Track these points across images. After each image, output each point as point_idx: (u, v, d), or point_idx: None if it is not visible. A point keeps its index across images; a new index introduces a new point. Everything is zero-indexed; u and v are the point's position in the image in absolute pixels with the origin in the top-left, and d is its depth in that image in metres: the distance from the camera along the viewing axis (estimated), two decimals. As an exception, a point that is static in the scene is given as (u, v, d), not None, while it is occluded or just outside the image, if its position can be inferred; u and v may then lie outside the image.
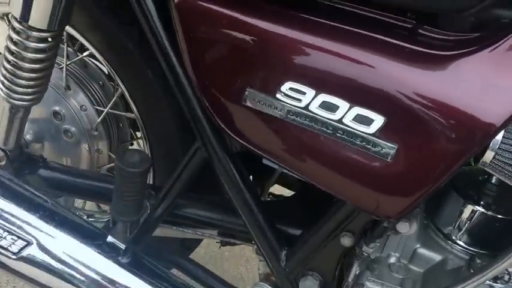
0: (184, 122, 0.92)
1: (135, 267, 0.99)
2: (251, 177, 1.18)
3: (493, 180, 0.90)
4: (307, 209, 0.97)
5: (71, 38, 1.15)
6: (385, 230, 0.84)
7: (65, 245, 0.93)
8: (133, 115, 1.15)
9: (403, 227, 0.83)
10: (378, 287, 0.85)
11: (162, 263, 1.12)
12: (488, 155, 0.68)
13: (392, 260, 0.92)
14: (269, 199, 1.30)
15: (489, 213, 0.87)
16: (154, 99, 1.05)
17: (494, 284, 0.77)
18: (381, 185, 0.71)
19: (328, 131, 0.70)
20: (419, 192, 0.70)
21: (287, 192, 1.30)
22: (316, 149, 0.73)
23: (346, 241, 0.84)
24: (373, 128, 0.68)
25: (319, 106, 0.69)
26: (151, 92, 1.04)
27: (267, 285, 0.98)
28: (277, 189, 1.31)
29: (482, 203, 0.88)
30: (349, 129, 0.69)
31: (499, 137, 0.67)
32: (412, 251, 0.92)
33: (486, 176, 0.91)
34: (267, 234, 0.92)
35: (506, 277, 0.78)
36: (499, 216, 0.86)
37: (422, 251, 0.91)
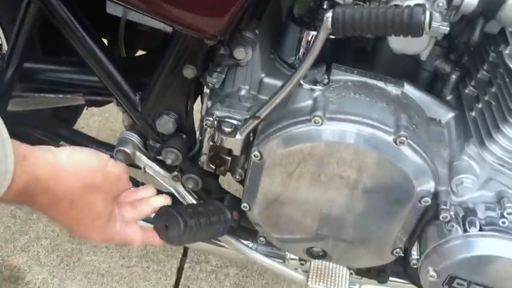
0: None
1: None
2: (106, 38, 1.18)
3: (325, 6, 0.96)
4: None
5: None
6: (223, 57, 0.89)
7: None
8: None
9: (240, 54, 0.88)
10: (225, 114, 0.92)
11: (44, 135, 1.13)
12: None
13: (242, 92, 0.98)
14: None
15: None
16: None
17: (315, 87, 0.85)
18: (198, 3, 0.75)
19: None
20: (234, 5, 0.74)
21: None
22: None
23: (189, 73, 0.89)
24: None
25: None
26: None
27: (131, 133, 1.02)
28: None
29: (317, 27, 0.94)
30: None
31: None
32: (259, 82, 0.98)
33: (318, 3, 0.97)
34: (118, 82, 0.95)
35: (325, 81, 0.86)
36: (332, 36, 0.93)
37: (268, 80, 0.98)
